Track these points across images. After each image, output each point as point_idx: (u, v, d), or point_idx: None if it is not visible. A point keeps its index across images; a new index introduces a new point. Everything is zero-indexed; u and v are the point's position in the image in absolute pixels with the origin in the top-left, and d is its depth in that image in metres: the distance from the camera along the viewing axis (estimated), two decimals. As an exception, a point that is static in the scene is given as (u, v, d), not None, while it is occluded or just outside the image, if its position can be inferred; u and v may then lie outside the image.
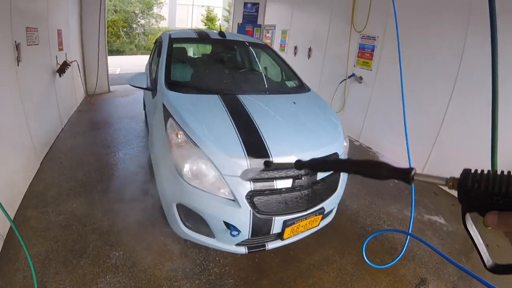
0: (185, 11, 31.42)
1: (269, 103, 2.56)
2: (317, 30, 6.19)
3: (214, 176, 1.90)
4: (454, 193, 2.93)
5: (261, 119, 2.23)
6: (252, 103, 2.46)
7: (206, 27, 28.89)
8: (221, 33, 3.62)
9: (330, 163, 0.97)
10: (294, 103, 2.68)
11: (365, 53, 5.19)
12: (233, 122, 2.15)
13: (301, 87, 3.17)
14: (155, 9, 22.59)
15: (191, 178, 1.92)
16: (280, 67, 3.53)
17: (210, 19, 29.04)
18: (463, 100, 3.60)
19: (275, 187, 1.93)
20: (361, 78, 5.31)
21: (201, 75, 3.21)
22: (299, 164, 0.97)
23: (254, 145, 1.98)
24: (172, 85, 2.63)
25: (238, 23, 8.26)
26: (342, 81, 5.62)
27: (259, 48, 3.76)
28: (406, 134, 2.24)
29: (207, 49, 3.63)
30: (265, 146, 1.98)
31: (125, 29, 20.39)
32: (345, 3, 5.37)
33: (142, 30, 21.71)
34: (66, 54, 4.84)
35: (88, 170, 3.41)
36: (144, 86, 2.84)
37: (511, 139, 3.05)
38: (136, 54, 20.78)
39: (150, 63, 4.15)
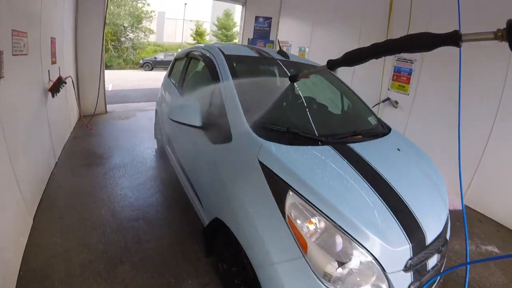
0: (173, 25, 30.83)
1: (381, 154, 1.90)
2: (343, 50, 5.42)
3: (373, 276, 1.23)
4: (496, 217, 3.53)
5: (395, 180, 1.60)
6: (368, 154, 1.75)
7: (195, 41, 28.39)
8: (282, 52, 2.80)
9: (369, 51, 1.05)
10: (398, 150, 2.03)
11: (401, 76, 4.84)
12: (373, 190, 1.47)
13: (382, 125, 2.45)
14: (144, 23, 21.88)
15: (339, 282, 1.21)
16: (352, 99, 2.72)
17: (199, 34, 28.57)
18: (506, 124, 3.54)
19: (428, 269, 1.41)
20: (396, 102, 4.87)
21: (287, 113, 2.25)
22: (331, 64, 1.19)
23: (409, 224, 1.38)
24: (264, 130, 1.74)
25: (249, 39, 7.48)
26: (375, 105, 5.03)
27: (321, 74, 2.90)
28: (459, 163, 1.94)
29: (270, 74, 2.71)
30: (418, 224, 1.41)
31: (113, 43, 19.45)
32: (377, 24, 5.08)
33: (131, 44, 20.85)
34: (59, 68, 3.81)
35: (102, 231, 2.39)
36: (198, 124, 1.95)
37: None
38: (125, 69, 19.97)
39: (178, 84, 3.22)
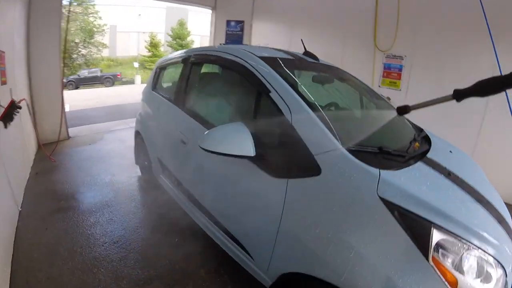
0: (125, 38, 29.42)
1: (450, 159, 1.76)
2: (327, 52, 5.21)
3: None
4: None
5: (477, 186, 1.54)
6: (445, 163, 1.61)
7: (150, 53, 27.35)
8: (309, 54, 2.42)
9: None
10: (451, 152, 1.93)
11: (392, 73, 4.83)
12: (478, 203, 1.37)
13: (412, 124, 2.31)
14: (97, 37, 20.58)
15: None
16: (378, 102, 2.42)
17: (154, 45, 27.53)
18: (496, 116, 3.81)
19: None
20: (389, 98, 4.77)
21: (367, 126, 1.75)
22: (458, 94, 1.11)
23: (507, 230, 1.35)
24: (362, 154, 1.35)
25: (220, 44, 6.95)
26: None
27: (347, 77, 2.51)
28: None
29: (322, 80, 2.25)
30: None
31: (65, 60, 17.96)
32: (363, 24, 5.00)
33: (84, 60, 19.47)
34: (11, 89, 3.01)
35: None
36: (252, 153, 1.45)
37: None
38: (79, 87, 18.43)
39: (177, 98, 2.59)
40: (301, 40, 2.78)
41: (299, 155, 1.40)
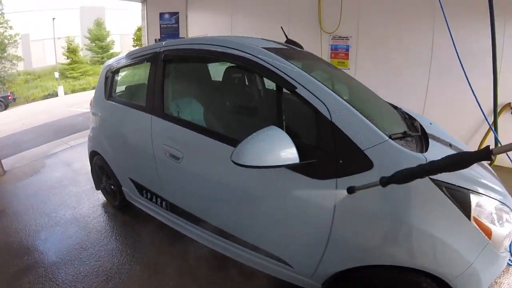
0: (40, 47, 26.25)
1: (438, 131, 1.99)
2: (273, 36, 4.99)
3: None
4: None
5: None
6: (438, 134, 1.92)
7: (69, 60, 24.89)
8: (293, 42, 2.42)
9: (416, 172, 1.06)
10: (431, 124, 2.12)
11: (339, 53, 5.07)
12: (482, 168, 1.69)
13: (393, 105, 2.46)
14: (10, 50, 17.93)
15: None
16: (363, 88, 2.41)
17: (72, 51, 25.15)
18: (438, 81, 4.42)
19: None
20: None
21: (383, 112, 2.05)
22: (384, 181, 1.13)
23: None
24: (399, 141, 1.50)
25: (156, 39, 6.34)
26: None
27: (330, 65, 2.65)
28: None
29: (324, 70, 2.22)
30: None
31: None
32: (307, 6, 5.12)
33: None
34: None
35: None
36: (298, 160, 1.36)
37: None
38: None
39: (156, 106, 2.18)
40: (281, 28, 2.73)
41: (347, 152, 1.36)
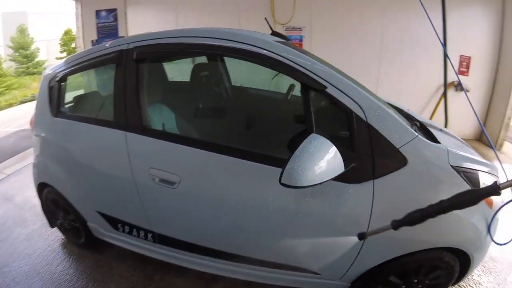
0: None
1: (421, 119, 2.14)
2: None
3: None
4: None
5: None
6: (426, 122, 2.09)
7: None
8: (277, 34, 2.17)
9: (428, 214, 1.09)
10: (408, 109, 2.16)
11: (294, 44, 4.82)
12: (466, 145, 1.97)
13: None
14: None
15: None
16: None
17: None
18: (389, 64, 4.90)
19: None
20: None
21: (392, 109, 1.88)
22: (396, 225, 1.15)
23: None
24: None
25: (92, 41, 5.68)
26: (273, 77, 4.87)
27: None
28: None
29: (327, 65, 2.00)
30: None
31: None
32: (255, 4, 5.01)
33: None
34: None
35: None
36: (343, 169, 1.26)
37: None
38: None
39: (130, 118, 1.79)
40: (265, 19, 2.59)
41: (383, 152, 1.36)
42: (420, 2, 2.69)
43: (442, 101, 4.92)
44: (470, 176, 1.43)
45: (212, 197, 1.60)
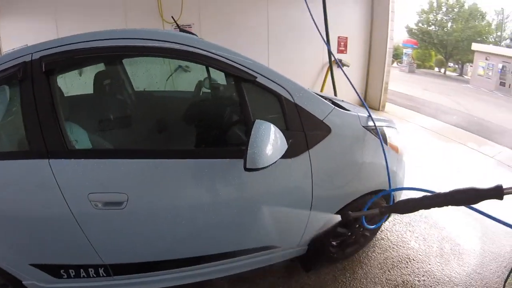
0: None
1: None
2: (108, 28, 4.57)
3: None
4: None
5: None
6: None
7: None
8: (185, 31, 2.09)
9: (423, 205, 1.04)
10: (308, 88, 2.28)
11: None
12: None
13: None
14: None
15: None
16: None
17: None
18: (277, 52, 5.41)
19: None
20: (187, 66, 4.96)
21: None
22: (384, 211, 1.16)
23: None
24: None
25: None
26: (168, 78, 4.61)
27: None
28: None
29: None
30: None
31: None
32: (145, 5, 4.89)
33: None
34: None
35: None
36: (287, 146, 1.41)
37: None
38: None
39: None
40: (172, 17, 2.79)
41: (312, 126, 1.56)
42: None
43: (329, 77, 5.62)
44: (378, 132, 1.78)
45: (166, 206, 1.50)
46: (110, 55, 1.73)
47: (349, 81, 2.24)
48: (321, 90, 5.75)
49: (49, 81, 1.45)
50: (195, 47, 1.47)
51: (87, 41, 1.49)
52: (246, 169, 1.25)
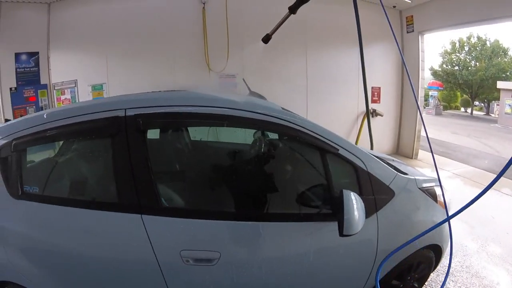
0: None
1: None
2: (153, 82, 4.88)
3: None
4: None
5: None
6: None
7: None
8: (255, 94, 2.61)
9: None
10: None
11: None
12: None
13: None
14: None
15: None
16: None
17: None
18: (315, 101, 5.68)
19: None
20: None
21: None
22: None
23: None
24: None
25: (11, 88, 5.07)
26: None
27: None
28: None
29: None
30: None
31: None
32: (193, 50, 5.19)
33: None
34: None
35: None
36: None
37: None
38: None
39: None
40: (243, 80, 2.87)
41: (380, 190, 1.74)
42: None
43: (364, 126, 5.73)
44: (431, 192, 2.02)
45: (253, 262, 1.61)
46: (205, 122, 1.77)
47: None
48: (357, 139, 5.82)
49: (144, 139, 1.52)
50: (287, 121, 1.64)
51: (182, 106, 1.60)
52: (342, 235, 1.43)
